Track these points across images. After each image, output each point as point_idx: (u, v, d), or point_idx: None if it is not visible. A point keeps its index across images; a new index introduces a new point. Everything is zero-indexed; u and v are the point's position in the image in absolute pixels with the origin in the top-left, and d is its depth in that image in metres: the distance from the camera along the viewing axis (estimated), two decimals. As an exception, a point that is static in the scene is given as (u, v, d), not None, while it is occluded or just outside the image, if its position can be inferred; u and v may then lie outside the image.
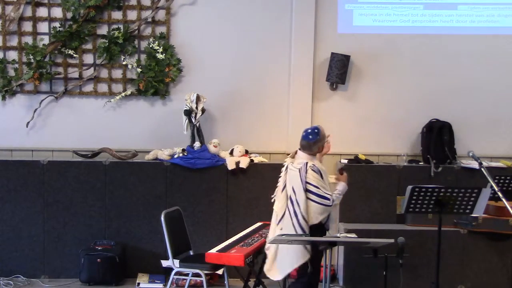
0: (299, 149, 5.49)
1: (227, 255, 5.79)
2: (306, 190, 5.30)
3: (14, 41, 7.12)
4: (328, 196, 5.31)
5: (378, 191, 6.92)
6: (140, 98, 7.23)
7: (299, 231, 5.26)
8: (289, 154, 5.72)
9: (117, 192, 6.91)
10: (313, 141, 5.42)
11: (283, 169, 5.52)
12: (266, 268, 5.49)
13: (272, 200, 5.53)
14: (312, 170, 5.33)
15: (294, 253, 5.32)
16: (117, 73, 7.21)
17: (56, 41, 7.07)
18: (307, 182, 5.30)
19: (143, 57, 7.16)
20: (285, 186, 5.43)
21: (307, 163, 5.35)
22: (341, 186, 5.49)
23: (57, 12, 7.11)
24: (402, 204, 5.44)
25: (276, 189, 5.53)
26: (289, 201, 5.37)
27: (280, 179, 5.51)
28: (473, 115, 7.30)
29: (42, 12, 7.11)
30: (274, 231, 5.44)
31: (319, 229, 5.36)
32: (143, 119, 7.24)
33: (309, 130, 5.48)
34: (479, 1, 7.25)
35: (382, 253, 5.30)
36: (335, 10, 7.21)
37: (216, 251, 5.90)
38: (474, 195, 5.25)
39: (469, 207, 5.30)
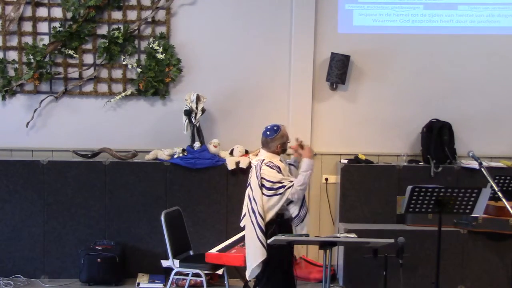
0: (261, 146, 5.49)
1: (227, 255, 5.80)
2: (262, 186, 5.26)
3: (14, 41, 7.12)
4: (284, 184, 5.21)
5: (378, 191, 6.92)
6: (140, 98, 7.23)
7: (257, 228, 5.21)
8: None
9: (117, 192, 6.91)
10: (270, 137, 5.38)
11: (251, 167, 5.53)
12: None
13: None
14: (267, 165, 5.28)
15: (252, 252, 5.29)
16: (117, 73, 7.21)
17: (56, 41, 7.07)
18: (262, 178, 5.26)
19: (143, 57, 7.16)
20: (248, 184, 5.42)
21: (263, 160, 5.33)
22: (305, 164, 5.32)
23: (57, 12, 7.11)
24: (402, 204, 5.44)
25: None
26: (247, 199, 5.36)
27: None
28: (473, 115, 7.30)
29: (42, 12, 7.11)
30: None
31: (279, 224, 5.27)
32: (143, 119, 7.24)
33: (269, 127, 5.45)
34: (479, 1, 7.25)
35: (382, 253, 5.30)
36: (335, 10, 7.21)
37: (216, 251, 5.91)
38: (474, 195, 5.25)
39: (469, 207, 5.30)
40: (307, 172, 5.30)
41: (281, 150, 5.43)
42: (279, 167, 5.30)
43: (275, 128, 5.42)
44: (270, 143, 5.39)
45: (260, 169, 5.29)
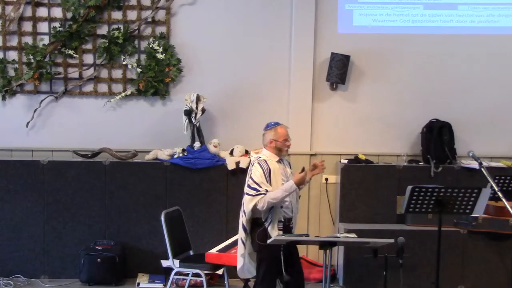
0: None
1: (227, 255, 5.81)
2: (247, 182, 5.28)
3: (14, 41, 7.12)
4: (258, 189, 5.14)
5: (378, 191, 6.92)
6: (140, 98, 7.23)
7: (240, 224, 5.28)
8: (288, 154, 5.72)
9: (117, 192, 6.91)
10: (264, 130, 5.39)
11: None
12: None
13: None
14: (258, 163, 5.25)
15: (238, 248, 5.38)
16: (117, 73, 7.21)
17: (56, 41, 7.07)
18: (250, 174, 5.27)
19: (143, 57, 7.16)
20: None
21: (259, 157, 5.31)
22: (287, 184, 5.22)
23: (57, 12, 7.11)
24: (402, 204, 5.44)
25: None
26: (243, 197, 5.37)
27: None
28: (473, 115, 7.30)
29: (42, 12, 7.11)
30: None
31: (258, 226, 5.25)
32: (143, 119, 7.24)
33: (268, 122, 5.46)
34: (479, 1, 7.25)
35: (382, 253, 5.29)
36: (335, 10, 7.21)
37: (216, 251, 5.92)
38: (474, 195, 5.26)
39: (469, 207, 5.30)
40: (285, 192, 5.18)
41: (276, 148, 5.35)
42: (269, 170, 5.24)
43: (272, 123, 5.43)
44: (263, 136, 5.40)
45: (252, 166, 5.29)
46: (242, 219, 5.29)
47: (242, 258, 5.32)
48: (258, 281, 5.28)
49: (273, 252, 5.12)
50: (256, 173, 5.22)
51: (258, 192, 5.16)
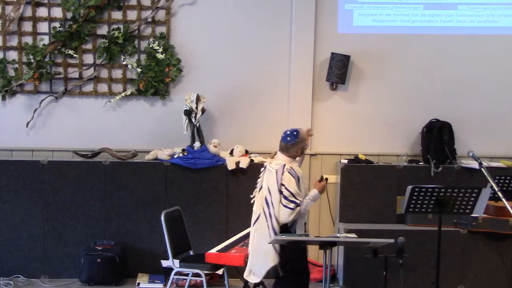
0: (279, 150, 5.43)
1: (227, 255, 5.81)
2: (280, 192, 5.24)
3: (14, 41, 7.12)
4: (297, 201, 5.21)
5: (378, 191, 6.92)
6: (140, 98, 7.23)
7: (272, 233, 5.21)
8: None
9: (117, 192, 6.91)
10: (291, 143, 5.33)
11: (262, 169, 5.49)
12: (245, 273, 5.48)
13: (252, 201, 5.48)
14: (289, 172, 5.25)
15: (264, 256, 5.30)
16: (117, 73, 7.21)
17: (56, 41, 7.07)
18: (282, 184, 5.24)
19: (143, 57, 7.16)
20: (262, 187, 5.39)
21: (285, 165, 5.29)
22: (313, 193, 5.36)
23: (57, 12, 7.11)
24: (402, 204, 5.44)
25: (255, 189, 5.49)
26: (264, 202, 5.31)
27: (259, 179, 5.48)
28: (473, 115, 7.30)
29: (42, 12, 7.11)
30: (252, 232, 5.43)
31: (285, 231, 5.27)
32: (143, 119, 7.24)
33: (288, 132, 5.39)
34: (479, 1, 7.25)
35: (382, 253, 5.30)
36: (335, 10, 7.21)
37: (216, 251, 5.91)
38: (474, 195, 5.26)
39: (469, 207, 5.30)
40: (313, 202, 5.36)
41: (300, 153, 5.44)
42: (298, 177, 5.30)
43: (295, 133, 5.37)
44: (291, 148, 5.35)
45: (282, 174, 5.26)
46: (275, 227, 5.24)
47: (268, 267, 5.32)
48: (279, 281, 5.32)
49: (299, 253, 5.24)
50: (291, 184, 5.24)
51: (297, 205, 5.22)
